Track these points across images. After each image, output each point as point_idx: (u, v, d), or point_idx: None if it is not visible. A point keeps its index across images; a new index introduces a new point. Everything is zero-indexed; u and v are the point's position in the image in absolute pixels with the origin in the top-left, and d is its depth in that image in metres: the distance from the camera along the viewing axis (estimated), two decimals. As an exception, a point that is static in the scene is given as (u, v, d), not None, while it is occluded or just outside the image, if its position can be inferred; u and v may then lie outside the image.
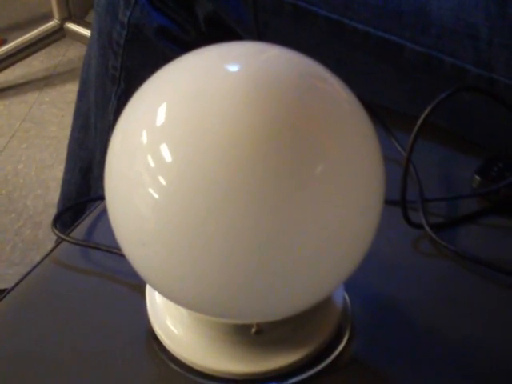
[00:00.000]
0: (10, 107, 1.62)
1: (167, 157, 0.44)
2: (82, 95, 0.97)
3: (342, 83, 0.49)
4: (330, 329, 0.55)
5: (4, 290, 0.62)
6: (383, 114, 0.74)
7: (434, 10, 0.71)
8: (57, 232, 0.65)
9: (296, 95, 0.45)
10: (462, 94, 0.70)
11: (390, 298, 0.60)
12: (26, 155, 1.49)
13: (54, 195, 1.33)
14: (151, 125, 0.46)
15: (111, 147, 0.49)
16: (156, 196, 0.44)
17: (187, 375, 0.54)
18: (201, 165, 0.43)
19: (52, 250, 0.65)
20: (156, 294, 0.56)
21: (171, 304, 0.54)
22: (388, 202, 0.51)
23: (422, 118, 0.66)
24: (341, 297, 0.57)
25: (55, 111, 1.60)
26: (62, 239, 0.65)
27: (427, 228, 0.64)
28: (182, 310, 0.55)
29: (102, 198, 0.54)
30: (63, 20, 1.70)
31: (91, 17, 0.95)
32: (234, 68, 0.47)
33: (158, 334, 0.55)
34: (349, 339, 0.56)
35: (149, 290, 0.57)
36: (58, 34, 1.71)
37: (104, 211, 0.65)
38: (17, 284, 0.62)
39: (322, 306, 0.53)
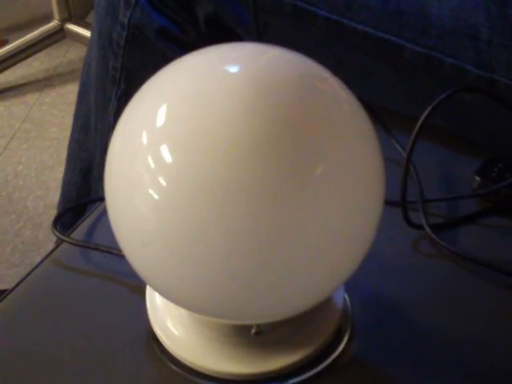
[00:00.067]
0: (11, 108, 1.62)
1: (167, 157, 0.44)
2: (82, 96, 0.97)
3: (341, 84, 0.49)
4: (330, 329, 0.55)
5: (4, 290, 0.62)
6: (383, 115, 0.74)
7: (434, 10, 0.71)
8: (57, 233, 0.65)
9: (296, 96, 0.45)
10: (462, 94, 0.70)
11: (390, 298, 0.60)
12: (26, 156, 1.49)
13: (54, 196, 1.33)
14: (151, 126, 0.46)
15: (111, 148, 0.49)
16: (156, 197, 0.44)
17: (187, 376, 0.54)
18: (201, 165, 0.43)
19: (52, 251, 0.65)
20: (156, 294, 0.57)
21: (171, 305, 0.54)
22: (388, 202, 0.51)
23: (422, 118, 0.66)
24: (341, 297, 0.57)
25: (55, 112, 1.60)
26: (62, 240, 0.65)
27: (427, 228, 0.64)
28: (182, 311, 0.55)
29: (102, 198, 0.54)
30: (63, 21, 1.70)
31: (91, 17, 0.95)
32: (234, 69, 0.47)
33: (158, 335, 0.55)
34: (349, 340, 0.56)
35: (149, 290, 0.57)
36: (59, 34, 1.72)
37: (104, 212, 0.65)
38: (17, 285, 0.62)
39: (322, 307, 0.53)
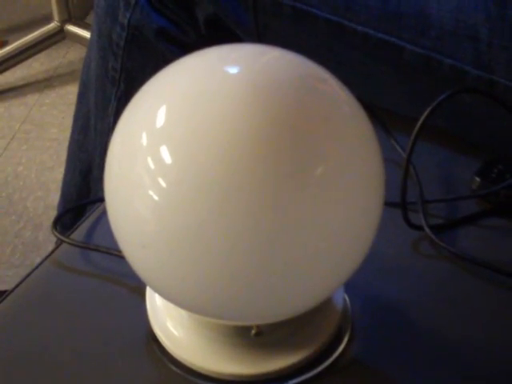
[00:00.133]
0: (10, 109, 1.62)
1: (167, 158, 0.44)
2: (81, 97, 0.97)
3: (341, 85, 0.49)
4: (330, 330, 0.55)
5: (4, 291, 0.62)
6: (383, 116, 0.74)
7: (434, 11, 0.71)
8: (57, 234, 0.65)
9: (296, 97, 0.45)
10: (462, 95, 0.70)
11: (390, 299, 0.60)
12: (26, 157, 1.49)
13: (54, 197, 1.33)
14: (151, 126, 0.46)
15: (111, 149, 0.49)
16: (156, 198, 0.44)
17: (187, 377, 0.54)
18: (201, 166, 0.43)
19: (52, 251, 0.65)
20: (156, 295, 0.56)
21: (171, 306, 0.54)
22: (388, 203, 0.51)
23: (422, 119, 0.66)
24: (341, 298, 0.57)
25: (55, 113, 1.60)
26: (62, 241, 0.65)
27: (427, 229, 0.64)
28: (182, 312, 0.55)
29: (102, 199, 0.54)
30: (63, 22, 1.71)
31: (91, 18, 0.95)
32: (234, 70, 0.47)
33: (158, 336, 0.55)
34: (349, 340, 0.56)
35: (149, 291, 0.57)
36: (58, 35, 1.72)
37: (104, 213, 0.65)
38: (17, 286, 0.62)
39: (322, 308, 0.53)
